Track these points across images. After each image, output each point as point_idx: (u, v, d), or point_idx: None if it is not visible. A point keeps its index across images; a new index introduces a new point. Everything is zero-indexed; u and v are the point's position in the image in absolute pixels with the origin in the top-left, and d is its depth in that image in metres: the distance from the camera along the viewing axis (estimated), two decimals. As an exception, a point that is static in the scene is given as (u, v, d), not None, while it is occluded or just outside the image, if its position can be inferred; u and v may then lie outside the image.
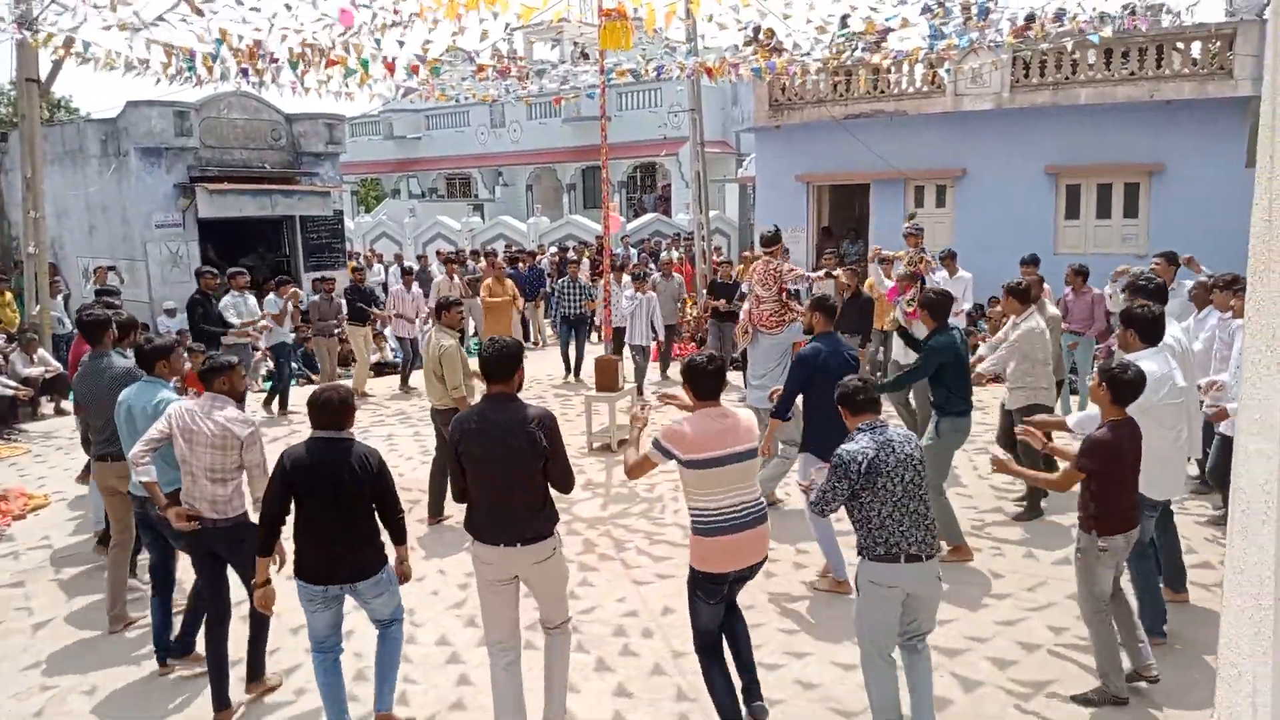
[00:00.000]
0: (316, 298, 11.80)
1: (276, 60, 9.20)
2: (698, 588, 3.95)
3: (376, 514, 4.01)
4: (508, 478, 3.76)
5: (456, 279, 13.07)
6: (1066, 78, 14.61)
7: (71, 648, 5.24)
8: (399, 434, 9.87)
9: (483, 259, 16.55)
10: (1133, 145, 14.35)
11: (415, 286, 12.75)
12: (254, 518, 4.16)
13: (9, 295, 13.07)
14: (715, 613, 4.02)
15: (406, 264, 16.15)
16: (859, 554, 3.87)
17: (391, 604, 4.19)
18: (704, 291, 13.78)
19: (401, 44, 17.87)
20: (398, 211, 28.59)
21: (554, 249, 20.10)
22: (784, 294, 7.85)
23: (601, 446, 9.00)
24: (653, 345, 11.49)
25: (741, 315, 7.94)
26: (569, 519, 7.09)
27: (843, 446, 3.80)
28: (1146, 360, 4.54)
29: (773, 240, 8.19)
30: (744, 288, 8.30)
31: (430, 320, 12.57)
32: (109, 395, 5.14)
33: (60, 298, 13.68)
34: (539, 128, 32.25)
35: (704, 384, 3.93)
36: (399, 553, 4.15)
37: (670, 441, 3.85)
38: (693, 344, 13.80)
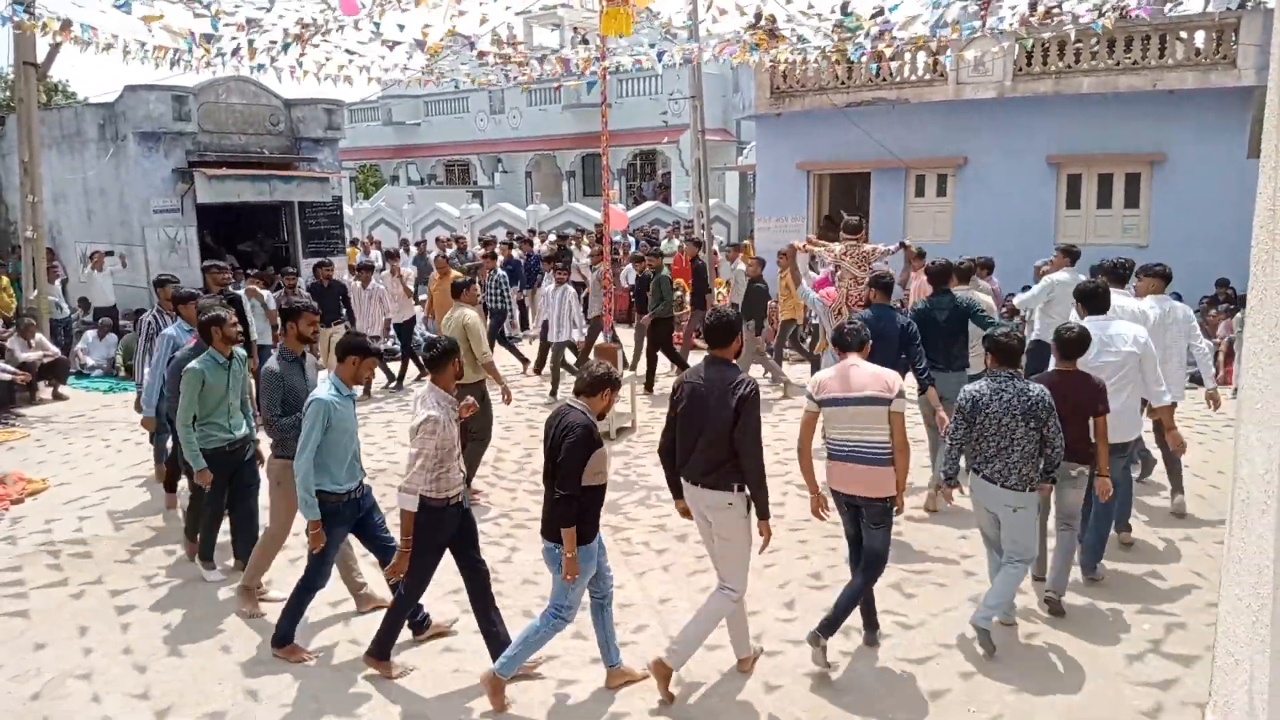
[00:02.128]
0: (279, 293, 10.41)
1: (275, 43, 9.14)
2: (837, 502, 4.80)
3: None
4: (703, 428, 4.26)
5: (398, 275, 11.95)
6: (1069, 66, 14.54)
7: (69, 632, 5.23)
8: (398, 419, 9.85)
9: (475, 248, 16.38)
10: (1135, 135, 14.31)
11: (374, 282, 11.40)
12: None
13: (6, 280, 13.05)
14: (845, 521, 4.83)
15: (363, 258, 15.38)
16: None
17: (559, 588, 4.24)
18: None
19: (401, 27, 17.77)
20: (396, 198, 28.53)
21: (553, 236, 20.05)
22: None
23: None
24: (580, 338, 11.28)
25: (817, 299, 8.05)
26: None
27: (966, 385, 4.93)
28: (1090, 324, 5.38)
29: (856, 228, 8.61)
30: (823, 271, 8.50)
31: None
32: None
33: (58, 283, 13.65)
34: (539, 114, 32.14)
35: (842, 340, 4.83)
36: (564, 535, 4.11)
37: (810, 387, 4.79)
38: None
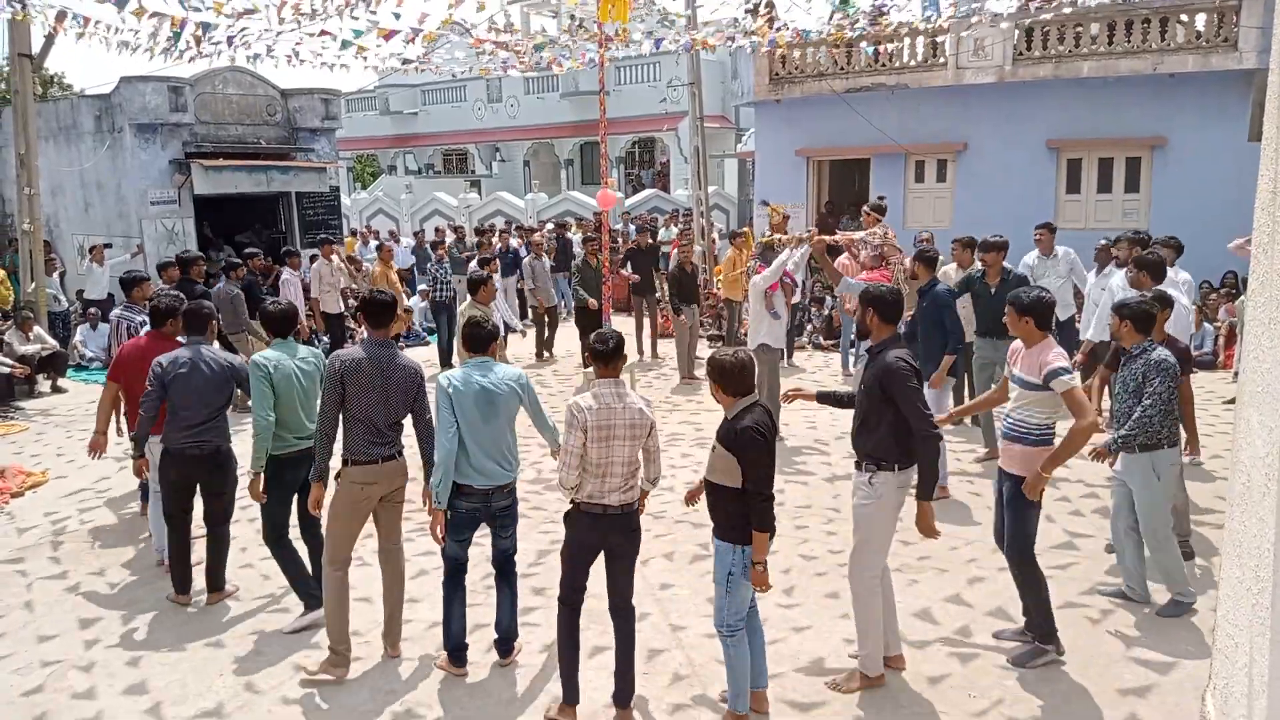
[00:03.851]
0: (221, 285, 9.73)
1: (269, 30, 9.09)
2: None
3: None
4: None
5: (336, 259, 11.59)
6: (1069, 50, 14.47)
7: (70, 624, 5.24)
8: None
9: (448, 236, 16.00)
10: (1135, 119, 14.25)
11: (294, 272, 11.12)
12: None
13: (3, 273, 13.01)
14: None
15: (362, 249, 15.48)
16: (1163, 445, 4.74)
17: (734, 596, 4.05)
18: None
19: (397, 15, 17.69)
20: (394, 188, 28.46)
21: (550, 226, 19.99)
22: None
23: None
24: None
25: (853, 277, 8.08)
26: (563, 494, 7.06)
27: (1160, 352, 4.73)
28: (1168, 289, 5.68)
29: (885, 209, 9.23)
30: (864, 254, 8.64)
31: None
32: (401, 387, 4.47)
33: (56, 275, 13.62)
34: (536, 102, 32.01)
35: (1047, 317, 4.48)
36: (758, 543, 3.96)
37: (1068, 363, 4.35)
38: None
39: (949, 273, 8.57)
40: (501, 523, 4.52)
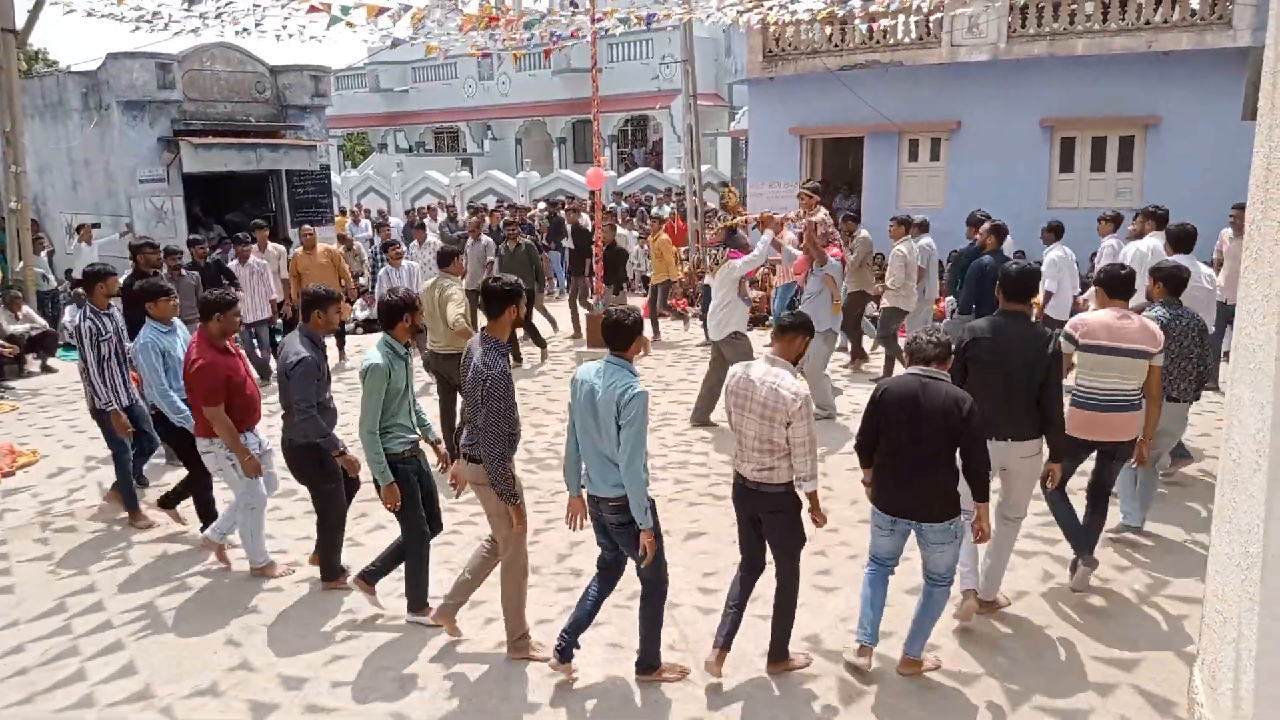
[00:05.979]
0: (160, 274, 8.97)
1: (259, 6, 8.98)
2: (1068, 447, 4.75)
3: (960, 461, 3.97)
4: (1013, 382, 4.38)
5: (271, 247, 11.03)
6: (1064, 28, 14.41)
7: (57, 608, 5.22)
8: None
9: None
10: (1129, 97, 14.21)
11: (253, 258, 10.22)
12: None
13: (-9, 252, 12.93)
14: (1070, 469, 4.86)
15: (352, 228, 15.32)
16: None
17: (949, 559, 4.12)
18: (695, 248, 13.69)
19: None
20: (385, 166, 28.28)
21: (543, 205, 19.90)
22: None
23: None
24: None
25: (837, 263, 8.63)
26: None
27: (1188, 316, 5.39)
28: (1183, 260, 6.01)
29: (821, 191, 9.46)
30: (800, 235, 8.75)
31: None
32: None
33: (44, 254, 13.52)
34: (528, 80, 31.78)
35: (1118, 286, 4.89)
36: (978, 510, 4.05)
37: (1073, 328, 4.85)
38: (683, 300, 13.74)
39: (901, 250, 9.06)
40: (621, 539, 4.13)
